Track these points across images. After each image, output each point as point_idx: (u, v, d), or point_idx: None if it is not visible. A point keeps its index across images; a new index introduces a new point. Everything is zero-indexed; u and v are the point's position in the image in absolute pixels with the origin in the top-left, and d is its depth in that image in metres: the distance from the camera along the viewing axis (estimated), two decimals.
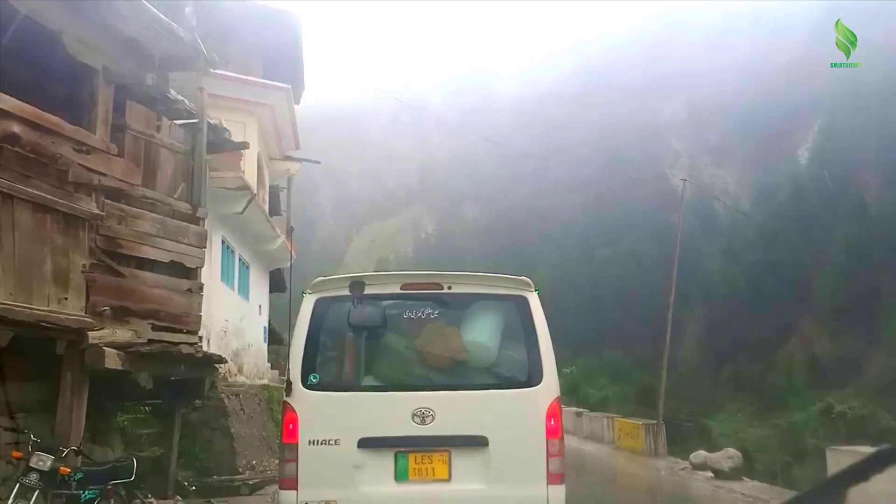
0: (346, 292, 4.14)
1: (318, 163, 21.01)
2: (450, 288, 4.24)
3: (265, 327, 18.23)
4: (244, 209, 12.95)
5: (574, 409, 26.17)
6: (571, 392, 37.81)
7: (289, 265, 19.04)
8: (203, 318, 9.96)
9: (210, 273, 11.66)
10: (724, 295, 52.44)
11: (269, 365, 18.63)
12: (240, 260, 15.29)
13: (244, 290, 15.78)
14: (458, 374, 4.19)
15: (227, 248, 14.27)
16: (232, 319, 14.02)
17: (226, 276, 14.02)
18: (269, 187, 18.83)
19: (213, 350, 12.11)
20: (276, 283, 20.30)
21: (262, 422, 11.98)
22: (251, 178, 14.58)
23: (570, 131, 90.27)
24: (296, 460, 3.93)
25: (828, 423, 31.08)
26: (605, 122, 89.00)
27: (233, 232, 14.50)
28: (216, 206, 11.67)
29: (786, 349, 46.66)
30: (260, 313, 17.67)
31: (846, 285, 43.51)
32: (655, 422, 19.18)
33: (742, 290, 50.39)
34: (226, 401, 10.63)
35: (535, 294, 4.29)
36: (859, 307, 41.63)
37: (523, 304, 4.25)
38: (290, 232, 18.57)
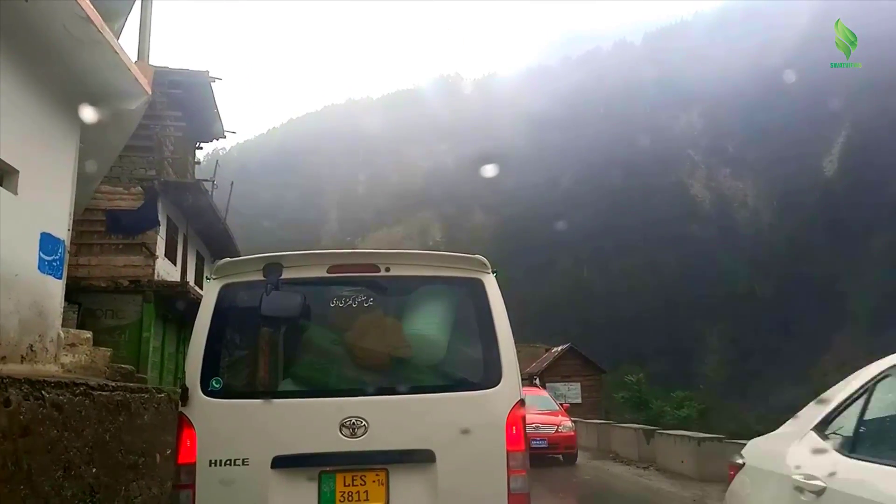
0: (260, 277, 3.44)
1: None
2: (388, 270, 3.54)
3: (62, 246, 7.19)
4: None
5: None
6: (637, 408, 29.87)
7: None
8: None
9: None
10: (751, 309, 49.70)
11: (79, 334, 7.40)
12: None
13: None
14: (397, 374, 3.47)
15: None
16: None
17: None
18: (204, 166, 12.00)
19: None
20: (222, 248, 15.61)
21: None
22: None
23: (585, 139, 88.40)
24: (192, 486, 3.16)
25: None
26: (620, 130, 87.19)
27: None
28: None
29: (819, 367, 43.78)
30: (18, 193, 6.40)
31: (886, 298, 40.72)
32: None
33: (770, 303, 47.67)
34: None
35: (492, 276, 3.55)
36: None
37: (478, 288, 3.51)
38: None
